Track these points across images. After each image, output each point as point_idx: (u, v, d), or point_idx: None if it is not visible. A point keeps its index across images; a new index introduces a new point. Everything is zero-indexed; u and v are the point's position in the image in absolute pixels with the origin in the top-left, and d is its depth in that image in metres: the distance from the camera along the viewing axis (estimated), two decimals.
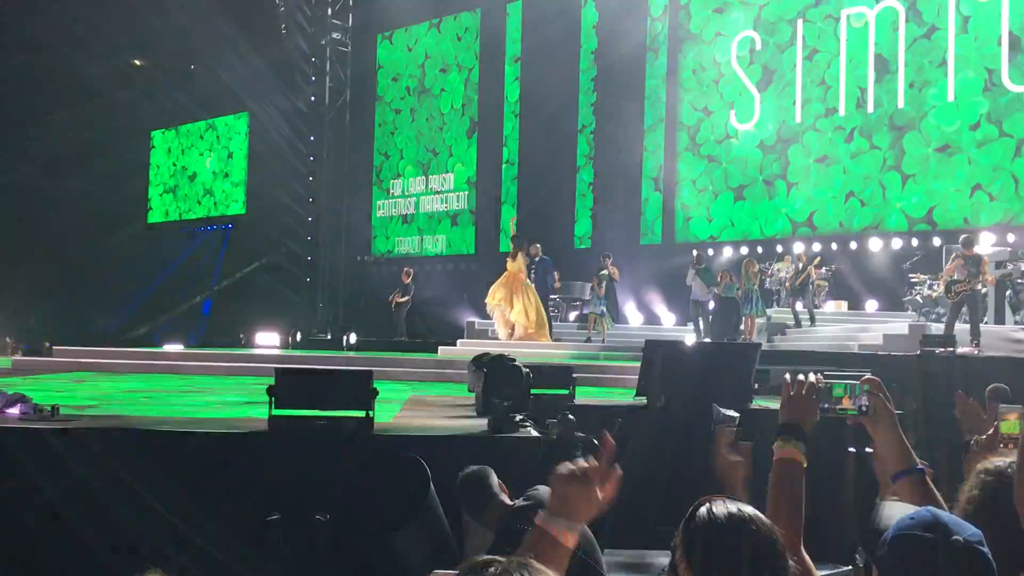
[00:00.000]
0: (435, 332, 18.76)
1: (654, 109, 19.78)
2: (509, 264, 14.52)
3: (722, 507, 1.76)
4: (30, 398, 5.09)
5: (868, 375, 2.45)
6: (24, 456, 4.34)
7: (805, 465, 2.18)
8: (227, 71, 24.16)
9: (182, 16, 24.07)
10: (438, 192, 23.50)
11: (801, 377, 2.30)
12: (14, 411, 4.96)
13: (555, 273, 16.51)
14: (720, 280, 14.61)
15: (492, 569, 1.16)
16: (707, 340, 14.98)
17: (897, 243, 16.11)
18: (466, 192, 22.95)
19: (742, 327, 14.39)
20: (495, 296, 14.35)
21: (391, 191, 24.54)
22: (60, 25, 23.08)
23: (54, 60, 24.54)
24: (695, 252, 16.00)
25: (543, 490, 3.42)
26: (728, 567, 1.70)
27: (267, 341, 16.06)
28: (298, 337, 17.59)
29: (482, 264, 20.69)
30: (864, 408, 2.31)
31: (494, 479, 3.56)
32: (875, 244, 16.39)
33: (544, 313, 14.68)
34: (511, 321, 14.24)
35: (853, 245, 16.70)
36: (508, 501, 3.49)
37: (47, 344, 13.33)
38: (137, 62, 27.08)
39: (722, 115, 18.64)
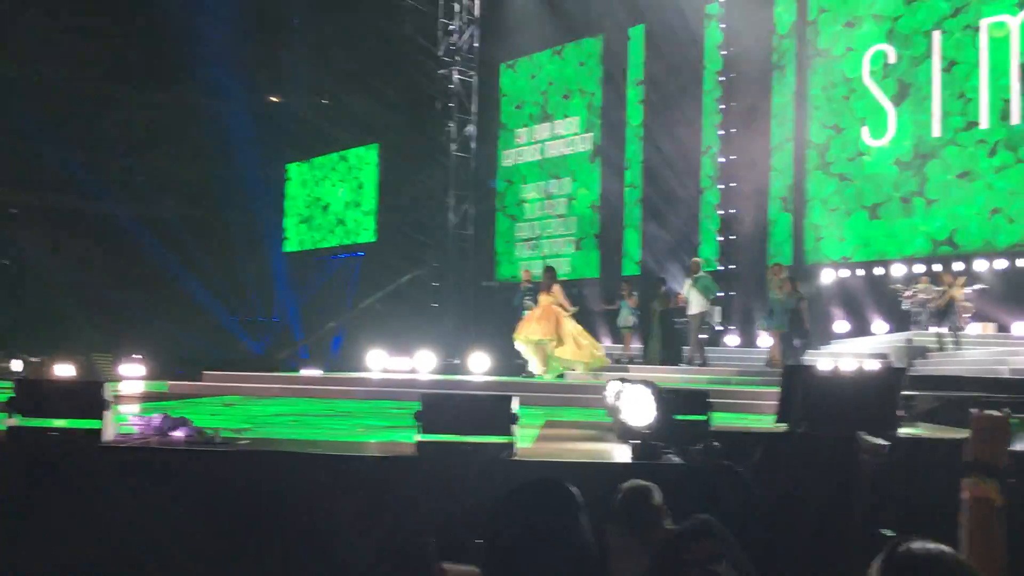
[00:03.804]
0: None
1: (781, 128, 19.39)
2: (543, 297, 13.27)
3: (921, 546, 1.72)
4: (192, 421, 5.41)
5: None
6: (192, 477, 4.61)
7: (999, 504, 2.08)
8: (357, 104, 25.10)
9: (313, 52, 25.19)
10: (562, 217, 23.64)
11: (989, 412, 2.22)
12: (178, 434, 5.28)
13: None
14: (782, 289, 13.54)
15: None
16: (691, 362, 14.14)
17: None
18: (589, 216, 23.02)
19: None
20: (523, 332, 13.17)
21: (515, 217, 24.83)
22: (202, 63, 24.49)
23: (197, 97, 26.05)
24: (693, 259, 14.91)
25: (705, 518, 3.40)
26: None
27: (399, 366, 16.42)
28: (430, 363, 17.88)
29: (606, 288, 20.67)
30: None
31: (658, 497, 3.51)
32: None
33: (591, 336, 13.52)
34: (572, 358, 12.93)
35: (1000, 264, 15.88)
36: (670, 525, 3.45)
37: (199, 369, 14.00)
38: (273, 98, 28.42)
39: (854, 132, 18.11)
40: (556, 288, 13.21)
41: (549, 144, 24.09)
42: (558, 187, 23.74)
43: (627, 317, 16.08)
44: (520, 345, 13.33)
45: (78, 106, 25.57)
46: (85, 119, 25.62)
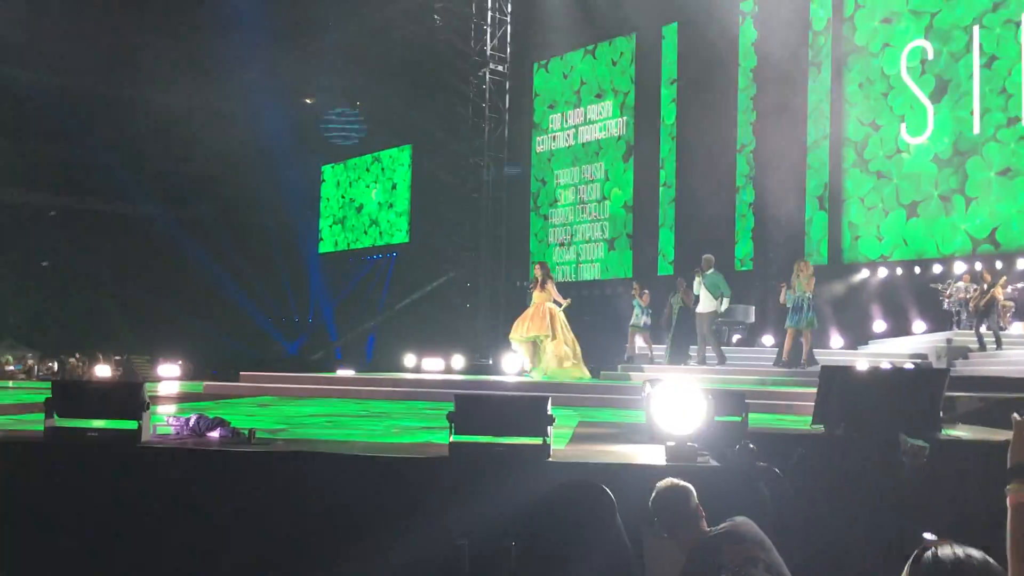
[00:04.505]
0: (592, 358, 18.71)
1: (817, 126, 19.16)
2: (537, 295, 12.99)
3: (949, 551, 1.68)
4: (228, 422, 5.43)
5: None
6: (227, 478, 4.63)
7: None
8: (391, 105, 25.20)
9: (346, 54, 25.34)
10: (595, 217, 23.57)
11: None
12: (214, 435, 5.31)
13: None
14: (781, 288, 13.19)
15: None
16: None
17: None
18: (622, 216, 22.92)
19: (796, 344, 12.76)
20: (516, 332, 12.95)
21: (548, 217, 24.79)
22: (237, 67, 24.74)
23: (233, 100, 26.30)
24: (704, 256, 14.42)
25: (741, 520, 3.36)
26: None
27: (432, 367, 16.45)
28: (461, 363, 17.93)
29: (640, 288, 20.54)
30: None
31: (695, 499, 3.49)
32: None
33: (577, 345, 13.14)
34: (551, 354, 12.69)
35: None
36: (705, 526, 3.42)
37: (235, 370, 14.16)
38: (308, 100, 28.62)
39: (892, 129, 17.85)
40: (550, 285, 13.04)
41: (582, 129, 24.00)
42: (591, 172, 23.62)
43: (639, 316, 15.98)
44: (516, 345, 13.18)
45: (115, 110, 25.93)
46: (122, 123, 25.97)
